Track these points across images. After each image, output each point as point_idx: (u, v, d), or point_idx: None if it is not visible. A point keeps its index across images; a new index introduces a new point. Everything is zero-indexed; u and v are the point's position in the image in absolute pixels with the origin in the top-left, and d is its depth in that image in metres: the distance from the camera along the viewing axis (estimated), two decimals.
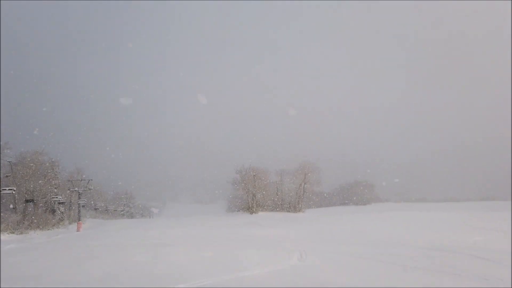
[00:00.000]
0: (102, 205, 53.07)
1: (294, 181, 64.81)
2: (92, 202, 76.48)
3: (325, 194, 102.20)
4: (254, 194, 59.84)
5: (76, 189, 44.02)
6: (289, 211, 63.62)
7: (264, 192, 61.01)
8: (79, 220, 41.61)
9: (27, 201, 37.49)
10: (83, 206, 44.77)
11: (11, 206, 35.81)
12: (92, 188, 47.71)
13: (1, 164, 35.74)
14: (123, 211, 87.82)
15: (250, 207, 59.81)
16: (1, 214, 31.22)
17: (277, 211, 64.43)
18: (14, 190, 35.00)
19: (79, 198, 43.42)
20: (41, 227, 37.15)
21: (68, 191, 44.82)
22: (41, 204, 42.82)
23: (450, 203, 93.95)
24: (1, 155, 34.97)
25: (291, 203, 64.67)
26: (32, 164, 39.42)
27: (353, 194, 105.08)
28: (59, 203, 40.74)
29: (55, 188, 44.99)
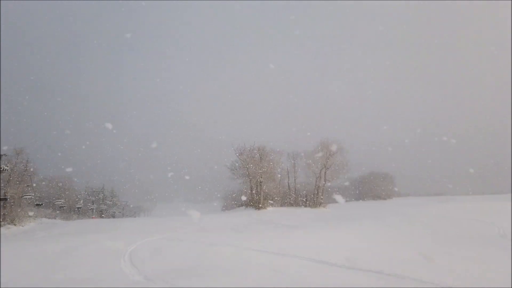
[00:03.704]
0: (32, 196, 37.08)
1: (311, 166, 49.27)
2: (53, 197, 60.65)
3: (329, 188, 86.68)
4: (261, 183, 44.27)
5: None
6: (305, 206, 48.28)
7: (274, 180, 45.39)
8: None
9: None
10: None
11: None
12: (9, 168, 31.69)
13: None
14: (92, 209, 71.69)
15: (255, 201, 44.25)
16: None
17: (290, 206, 49.10)
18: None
19: None
20: None
21: None
22: None
23: (485, 196, 78.88)
24: None
25: (308, 196, 49.21)
26: None
27: (369, 188, 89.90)
28: None
29: None
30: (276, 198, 47.35)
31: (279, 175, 49.52)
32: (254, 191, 45.08)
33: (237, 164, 46.43)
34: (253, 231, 22.79)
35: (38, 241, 20.38)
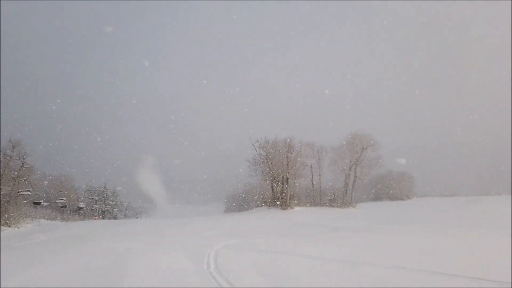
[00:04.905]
0: (29, 192, 32.24)
1: (339, 162, 44.57)
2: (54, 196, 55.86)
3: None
4: (287, 180, 39.52)
5: None
6: (332, 206, 43.57)
7: (302, 176, 40.56)
8: None
9: None
10: None
11: None
12: None
13: None
14: (95, 209, 66.77)
15: (280, 200, 39.49)
16: None
17: (314, 205, 44.36)
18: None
19: None
20: None
21: None
22: None
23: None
24: None
25: (336, 195, 44.50)
26: None
27: (387, 188, 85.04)
28: None
29: None
30: (302, 197, 42.63)
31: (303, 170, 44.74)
32: (278, 189, 40.31)
33: (259, 158, 41.56)
34: (319, 234, 17.93)
35: (45, 249, 15.63)
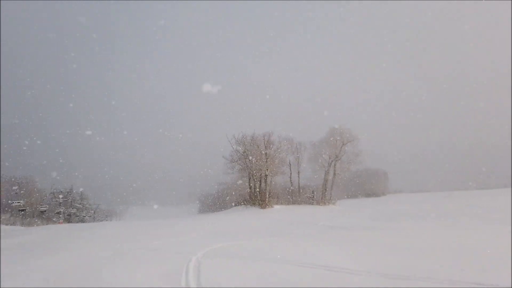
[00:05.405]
0: None
1: (319, 157, 43.36)
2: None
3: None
4: (266, 177, 37.82)
5: None
6: (312, 204, 42.27)
7: (283, 173, 38.97)
8: None
9: None
10: None
11: None
12: None
13: None
14: (59, 212, 62.41)
15: (258, 199, 37.75)
16: None
17: (293, 203, 42.91)
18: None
19: None
20: None
21: None
22: None
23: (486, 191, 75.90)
24: None
25: (315, 192, 43.24)
26: None
27: (362, 184, 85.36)
28: None
29: None
30: (280, 195, 41.07)
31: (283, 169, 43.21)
32: (257, 187, 38.53)
33: (237, 155, 39.61)
34: (315, 234, 16.25)
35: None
